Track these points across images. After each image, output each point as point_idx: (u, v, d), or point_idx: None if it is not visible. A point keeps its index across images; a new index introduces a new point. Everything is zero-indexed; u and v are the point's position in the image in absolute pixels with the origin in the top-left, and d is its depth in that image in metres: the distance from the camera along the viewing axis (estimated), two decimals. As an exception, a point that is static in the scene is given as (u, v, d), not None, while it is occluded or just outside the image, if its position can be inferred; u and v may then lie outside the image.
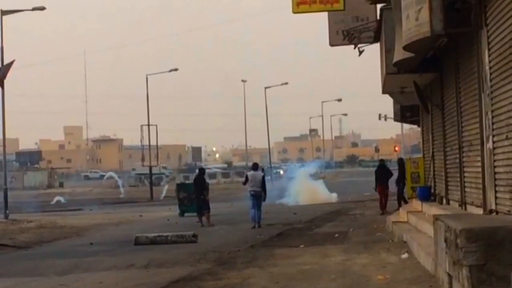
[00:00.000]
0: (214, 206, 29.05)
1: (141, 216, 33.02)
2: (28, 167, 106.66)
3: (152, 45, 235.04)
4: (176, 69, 63.50)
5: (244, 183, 25.04)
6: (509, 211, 12.15)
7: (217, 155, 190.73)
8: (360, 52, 26.08)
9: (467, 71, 15.81)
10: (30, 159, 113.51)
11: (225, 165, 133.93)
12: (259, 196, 24.51)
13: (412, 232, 16.98)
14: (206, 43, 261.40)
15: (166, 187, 57.77)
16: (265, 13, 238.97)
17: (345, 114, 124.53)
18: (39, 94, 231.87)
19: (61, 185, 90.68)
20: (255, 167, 25.62)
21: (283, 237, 20.91)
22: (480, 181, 14.39)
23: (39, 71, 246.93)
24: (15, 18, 35.30)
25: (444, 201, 19.76)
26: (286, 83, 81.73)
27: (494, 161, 13.09)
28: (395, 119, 34.60)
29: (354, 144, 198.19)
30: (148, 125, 58.07)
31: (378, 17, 23.35)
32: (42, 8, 35.63)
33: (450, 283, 9.47)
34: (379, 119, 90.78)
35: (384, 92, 24.87)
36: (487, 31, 13.22)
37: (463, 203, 16.86)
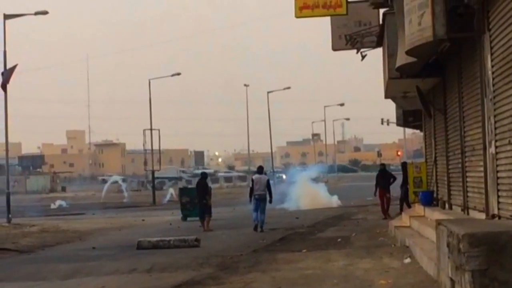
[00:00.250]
0: (216, 211, 29.06)
1: (143, 220, 33.03)
2: (30, 171, 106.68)
3: (155, 49, 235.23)
4: (178, 74, 63.57)
5: (251, 187, 24.92)
6: (511, 216, 12.14)
7: (219, 160, 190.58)
8: (363, 57, 26.07)
9: (469, 76, 15.82)
10: (32, 163, 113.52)
11: (234, 169, 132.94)
12: (263, 199, 24.61)
13: (415, 237, 16.97)
14: (208, 48, 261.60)
15: (171, 190, 57.44)
16: (268, 18, 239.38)
17: (348, 119, 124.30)
18: (42, 98, 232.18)
19: (63, 189, 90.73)
20: (260, 170, 25.67)
21: (286, 241, 20.90)
22: (483, 186, 14.38)
23: (42, 76, 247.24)
24: (18, 22, 35.35)
25: (447, 205, 19.76)
26: (289, 88, 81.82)
27: (497, 165, 13.08)
28: (398, 124, 34.56)
29: (357, 149, 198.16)
30: (151, 129, 58.08)
31: (380, 22, 23.34)
32: (45, 13, 35.64)
33: (453, 288, 9.46)
34: (382, 123, 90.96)
35: (386, 96, 24.86)
36: (490, 36, 13.23)
37: (465, 208, 16.85)
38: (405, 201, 27.16)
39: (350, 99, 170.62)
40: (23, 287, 14.36)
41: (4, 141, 34.41)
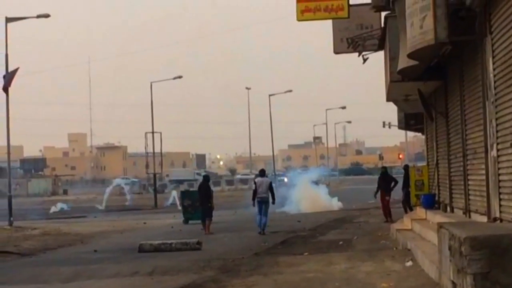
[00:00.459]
0: (218, 214, 29.07)
1: (145, 223, 33.04)
2: (32, 174, 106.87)
3: (156, 53, 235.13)
4: (180, 77, 63.61)
5: (255, 190, 24.93)
6: (513, 219, 12.14)
7: (221, 163, 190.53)
8: (365, 60, 26.10)
9: (471, 79, 15.81)
10: (34, 166, 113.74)
11: (236, 172, 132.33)
12: (266, 202, 24.68)
13: (416, 240, 16.98)
14: (210, 51, 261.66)
15: (174, 193, 56.81)
16: (269, 21, 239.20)
17: (349, 122, 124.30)
18: (44, 101, 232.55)
19: (65, 192, 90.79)
20: (262, 173, 25.71)
21: (287, 244, 20.90)
22: (484, 189, 14.37)
23: (43, 79, 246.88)
24: (20, 25, 35.44)
25: (448, 209, 19.75)
26: (290, 91, 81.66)
27: (499, 169, 13.08)
28: (399, 127, 34.58)
29: (358, 152, 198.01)
30: (153, 132, 58.09)
31: (382, 25, 23.35)
32: (47, 16, 35.69)
33: (455, 291, 9.46)
34: (383, 126, 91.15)
35: (388, 99, 24.87)
36: (492, 39, 13.23)
37: (467, 211, 16.84)
38: (406, 204, 27.18)
39: (352, 102, 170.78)
40: (25, 290, 14.37)
41: (5, 144, 34.43)
